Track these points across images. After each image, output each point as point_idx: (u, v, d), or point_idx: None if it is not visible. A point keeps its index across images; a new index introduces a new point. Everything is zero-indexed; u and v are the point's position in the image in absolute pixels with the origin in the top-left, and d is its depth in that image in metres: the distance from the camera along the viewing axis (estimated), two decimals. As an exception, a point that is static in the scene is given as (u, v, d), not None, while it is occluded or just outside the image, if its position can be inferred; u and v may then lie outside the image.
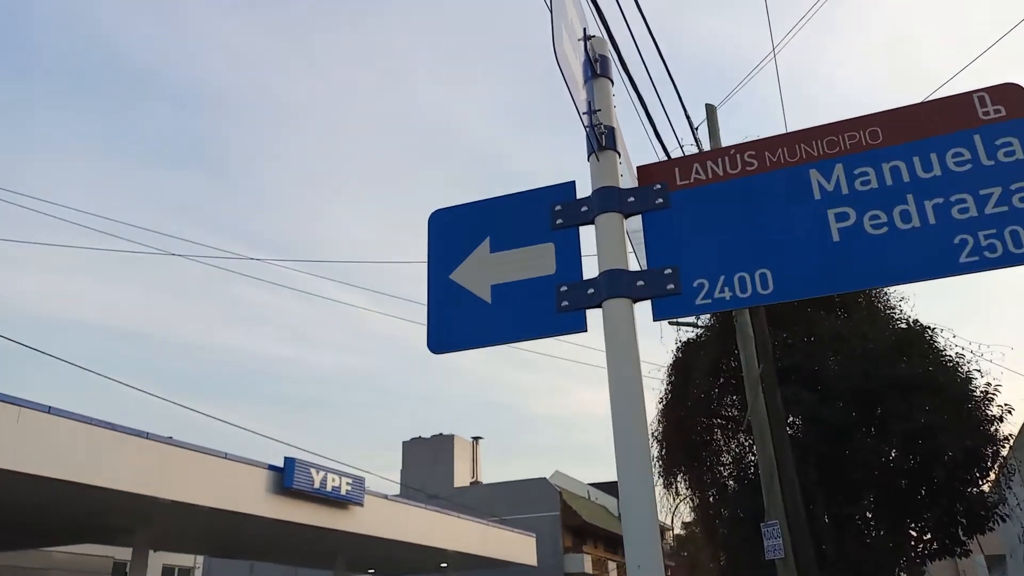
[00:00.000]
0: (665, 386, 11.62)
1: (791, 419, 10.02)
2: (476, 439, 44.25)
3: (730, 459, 11.20)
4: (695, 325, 12.09)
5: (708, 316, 11.00)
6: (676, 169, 2.28)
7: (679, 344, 11.84)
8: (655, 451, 11.69)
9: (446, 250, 2.44)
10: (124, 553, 22.09)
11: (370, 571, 33.87)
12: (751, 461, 10.86)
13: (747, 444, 10.91)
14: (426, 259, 2.48)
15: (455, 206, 2.54)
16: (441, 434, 42.78)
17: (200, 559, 34.44)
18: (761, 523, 8.25)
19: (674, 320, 12.69)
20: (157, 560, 31.04)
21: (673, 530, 45.18)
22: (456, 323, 2.30)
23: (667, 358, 12.63)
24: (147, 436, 16.45)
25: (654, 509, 1.84)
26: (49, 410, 14.49)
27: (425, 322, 2.38)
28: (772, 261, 2.05)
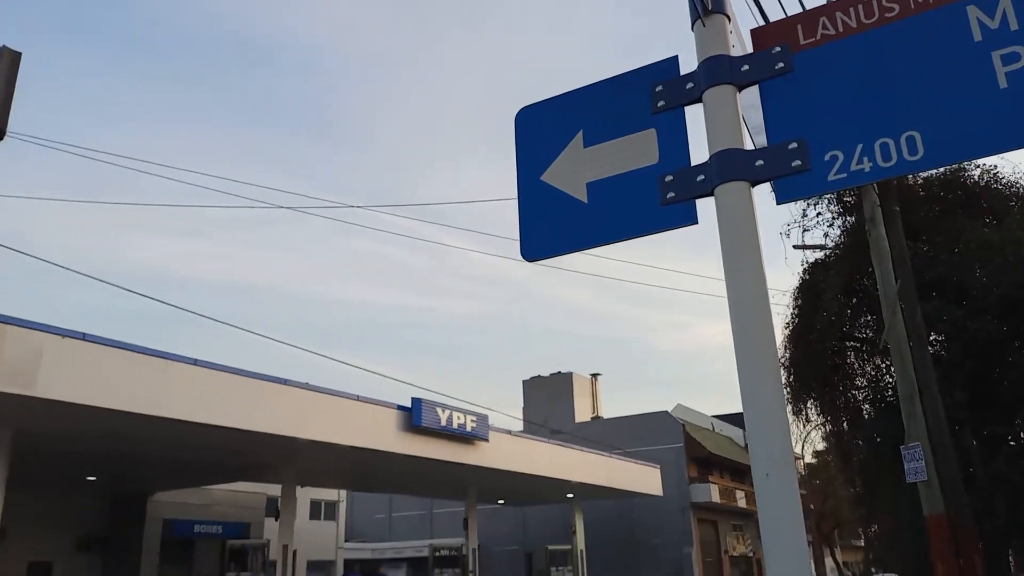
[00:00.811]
0: (792, 311, 10.97)
1: (933, 337, 9.22)
2: (595, 376, 44.37)
3: (865, 383, 10.50)
4: (823, 247, 11.28)
5: (839, 234, 10.19)
6: (799, 27, 1.93)
7: (806, 266, 11.09)
8: (783, 378, 11.12)
9: (535, 150, 2.22)
10: (276, 490, 23.83)
11: (500, 501, 35.13)
12: (888, 383, 10.15)
13: (884, 366, 10.19)
14: (515, 163, 2.28)
15: (543, 101, 2.29)
16: (560, 372, 43.18)
17: (343, 493, 36.83)
18: (901, 446, 7.72)
19: (800, 244, 11.91)
20: (305, 495, 33.43)
21: (804, 459, 44.00)
22: (551, 227, 2.10)
23: (793, 282, 11.88)
24: (285, 382, 17.47)
25: (781, 402, 1.59)
26: (195, 362, 15.61)
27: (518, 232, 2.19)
28: (922, 121, 1.70)
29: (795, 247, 12.37)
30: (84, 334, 13.75)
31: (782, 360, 11.09)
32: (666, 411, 38.34)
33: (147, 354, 14.72)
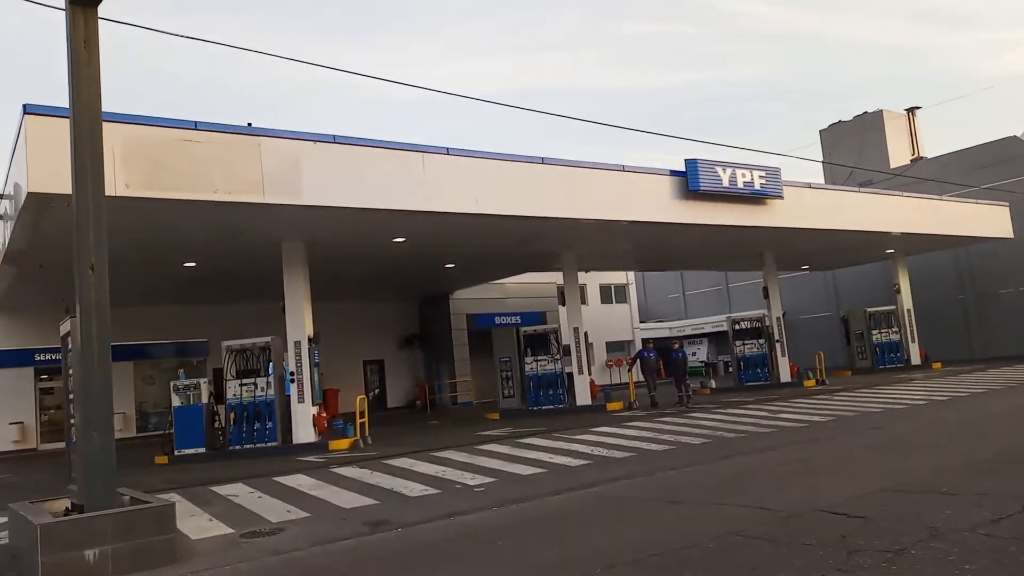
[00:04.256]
0: None
1: None
2: (911, 110, 37.00)
3: None
4: None
5: None
6: None
7: None
8: None
9: None
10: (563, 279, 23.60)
11: (803, 267, 32.03)
12: None
13: None
14: None
15: None
16: (866, 113, 36.67)
17: (631, 276, 36.43)
18: None
19: None
20: (594, 281, 33.57)
21: None
22: None
23: None
24: (543, 161, 16.14)
25: None
26: (448, 151, 14.76)
27: None
28: None
29: None
30: (334, 136, 13.38)
31: None
32: (1014, 136, 30.93)
33: (400, 149, 14.09)
